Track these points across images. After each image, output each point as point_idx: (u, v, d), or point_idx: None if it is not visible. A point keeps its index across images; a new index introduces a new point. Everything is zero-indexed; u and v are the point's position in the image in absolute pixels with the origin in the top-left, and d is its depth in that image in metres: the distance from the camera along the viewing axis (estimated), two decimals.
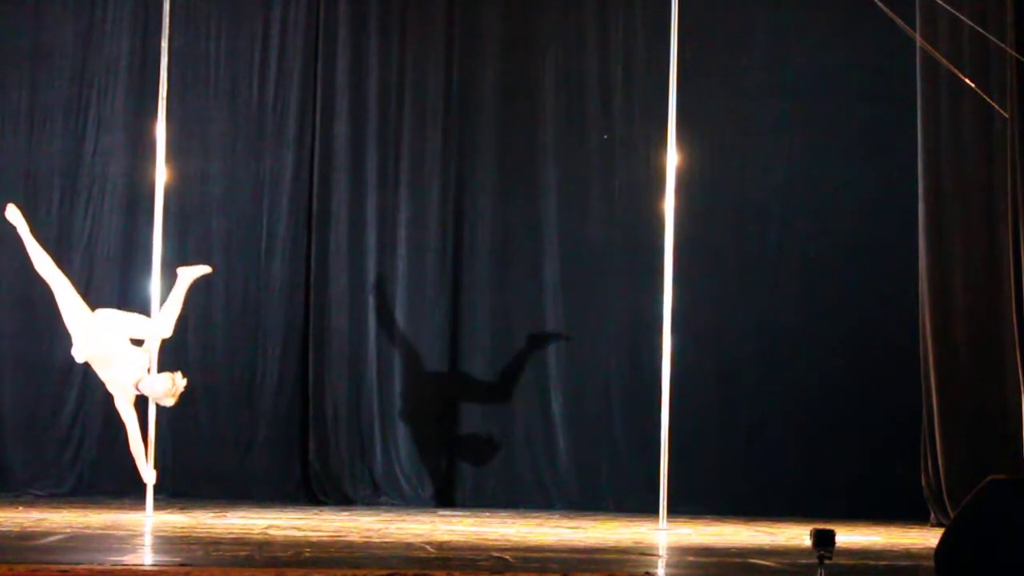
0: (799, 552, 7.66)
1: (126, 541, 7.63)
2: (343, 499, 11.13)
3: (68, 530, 8.20)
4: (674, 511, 9.68)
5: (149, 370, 9.12)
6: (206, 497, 10.80)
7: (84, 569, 6.03)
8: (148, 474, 9.29)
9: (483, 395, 11.37)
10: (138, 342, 9.11)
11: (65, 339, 9.07)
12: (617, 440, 11.25)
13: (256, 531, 8.45)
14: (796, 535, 8.95)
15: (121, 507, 10.06)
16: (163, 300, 9.58)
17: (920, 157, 10.58)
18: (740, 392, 11.21)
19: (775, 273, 11.31)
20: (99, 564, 6.31)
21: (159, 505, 9.82)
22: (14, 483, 11.03)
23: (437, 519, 9.89)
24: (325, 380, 11.31)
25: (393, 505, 11.05)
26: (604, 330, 11.33)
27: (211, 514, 9.70)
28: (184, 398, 9.25)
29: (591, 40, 11.49)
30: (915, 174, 10.60)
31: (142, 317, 9.26)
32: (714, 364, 11.16)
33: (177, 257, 10.80)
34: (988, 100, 10.04)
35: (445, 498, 11.24)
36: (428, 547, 7.63)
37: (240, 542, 7.61)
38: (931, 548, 6.56)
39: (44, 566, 6.07)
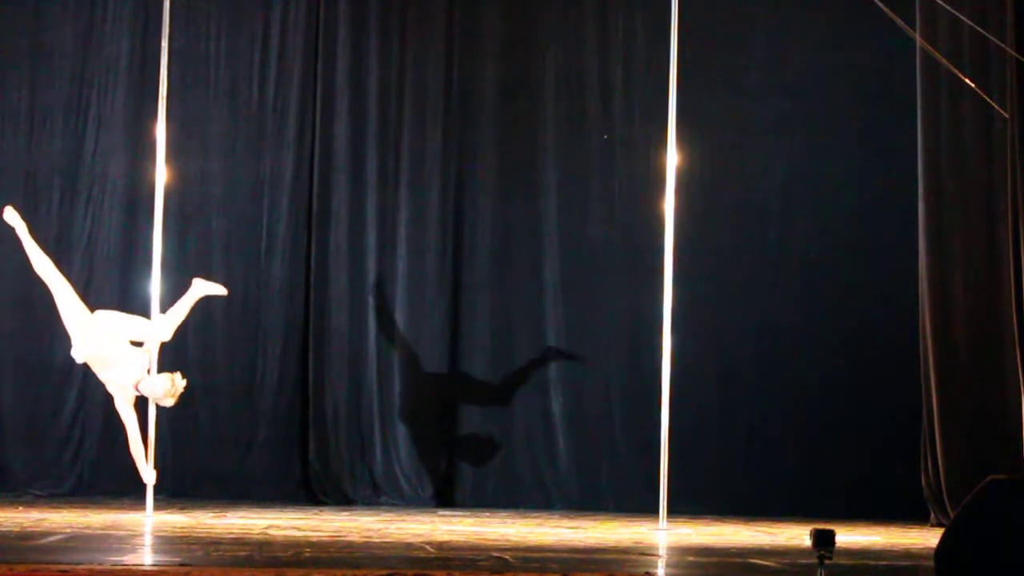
0: (799, 552, 7.66)
1: (126, 541, 7.63)
2: (343, 499, 11.13)
3: (68, 530, 8.20)
4: (674, 511, 9.68)
5: (149, 371, 9.12)
6: (206, 497, 10.80)
7: (84, 569, 6.03)
8: (148, 474, 9.29)
9: (483, 395, 11.37)
10: (138, 343, 9.11)
11: (65, 339, 9.07)
12: (617, 440, 11.25)
13: (256, 531, 8.45)
14: (796, 535, 8.95)
15: (121, 507, 10.06)
16: (163, 300, 9.60)
17: (920, 157, 10.58)
18: (740, 392, 11.21)
19: (775, 273, 11.31)
20: (99, 564, 6.31)
21: (159, 505, 9.82)
22: (14, 483, 11.03)
23: (437, 519, 9.89)
24: (325, 380, 11.31)
25: (393, 505, 11.05)
26: (604, 330, 11.33)
27: (211, 514, 9.70)
28: (184, 398, 9.26)
29: (591, 40, 11.49)
30: (915, 174, 10.60)
31: (142, 319, 9.26)
32: (714, 364, 11.16)
33: (177, 257, 10.85)
34: (988, 100, 10.04)
35: (445, 498, 11.24)
36: (428, 547, 7.63)
37: (240, 542, 7.61)
38: (931, 548, 6.56)
39: (44, 566, 6.07)
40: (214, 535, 8.06)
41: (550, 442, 11.31)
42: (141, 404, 9.24)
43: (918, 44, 10.32)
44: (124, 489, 10.52)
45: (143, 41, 11.25)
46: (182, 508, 10.13)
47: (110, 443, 10.63)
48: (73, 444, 11.14)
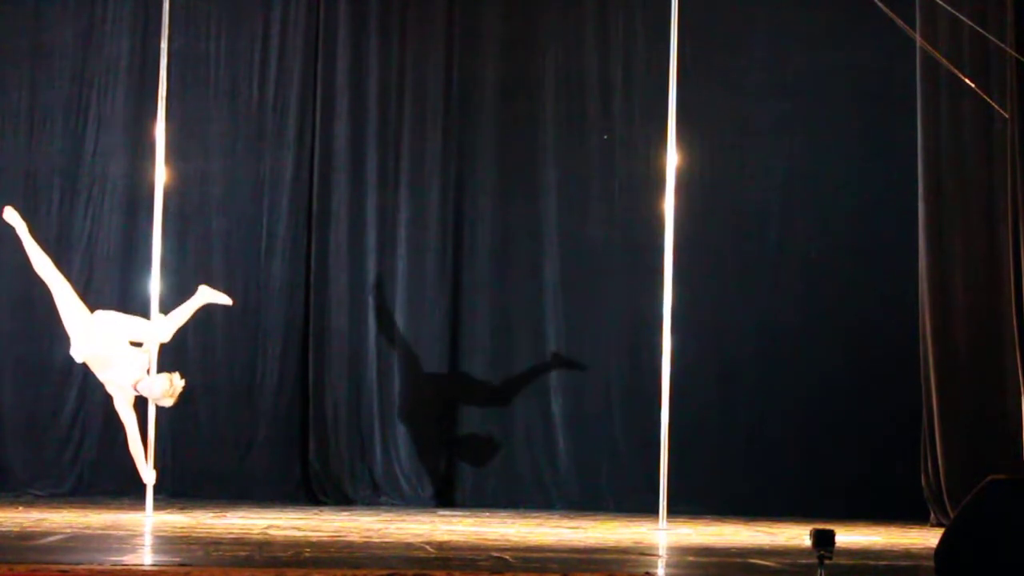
0: (799, 552, 7.66)
1: (126, 541, 7.63)
2: (343, 499, 11.13)
3: (68, 530, 8.20)
4: (674, 511, 9.68)
5: (148, 371, 9.12)
6: (206, 497, 10.80)
7: (84, 569, 6.03)
8: (148, 475, 9.29)
9: (483, 395, 11.37)
10: (137, 343, 9.11)
11: (65, 339, 9.07)
12: (617, 440, 11.25)
13: (256, 531, 8.45)
14: (796, 535, 8.95)
15: (121, 507, 10.06)
16: (163, 300, 9.60)
17: (920, 157, 10.58)
18: (740, 392, 11.21)
19: (775, 273, 11.31)
20: (99, 564, 6.31)
21: (159, 505, 9.82)
22: (14, 483, 11.03)
23: (437, 519, 9.89)
24: (325, 380, 11.31)
25: (393, 505, 11.05)
26: (604, 330, 11.33)
27: (211, 514, 9.70)
28: (184, 398, 9.26)
29: (591, 40, 11.49)
30: (915, 174, 10.60)
31: (142, 320, 9.26)
32: (714, 364, 11.16)
33: (177, 257, 10.85)
34: (988, 100, 10.04)
35: (445, 498, 11.24)
36: (428, 547, 7.63)
37: (240, 542, 7.61)
38: (931, 548, 6.56)
39: (44, 566, 6.06)
40: (214, 535, 8.06)
41: (550, 442, 11.31)
42: (141, 404, 9.24)
43: (918, 44, 10.32)
44: (124, 489, 10.52)
45: (143, 41, 11.24)
46: (182, 508, 10.13)
47: (110, 443, 10.63)
48: (73, 444, 11.14)
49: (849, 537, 8.78)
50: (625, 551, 7.82)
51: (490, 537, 8.44)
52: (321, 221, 11.40)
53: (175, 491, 10.82)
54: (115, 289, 11.01)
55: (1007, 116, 10.10)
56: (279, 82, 11.42)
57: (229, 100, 11.42)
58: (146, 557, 6.97)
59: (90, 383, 10.27)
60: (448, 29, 11.51)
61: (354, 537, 8.20)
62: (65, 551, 7.02)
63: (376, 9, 11.49)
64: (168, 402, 9.08)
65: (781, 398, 11.14)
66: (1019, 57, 9.97)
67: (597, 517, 10.38)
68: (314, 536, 8.17)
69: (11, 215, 9.02)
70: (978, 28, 10.00)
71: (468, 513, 10.52)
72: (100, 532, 8.21)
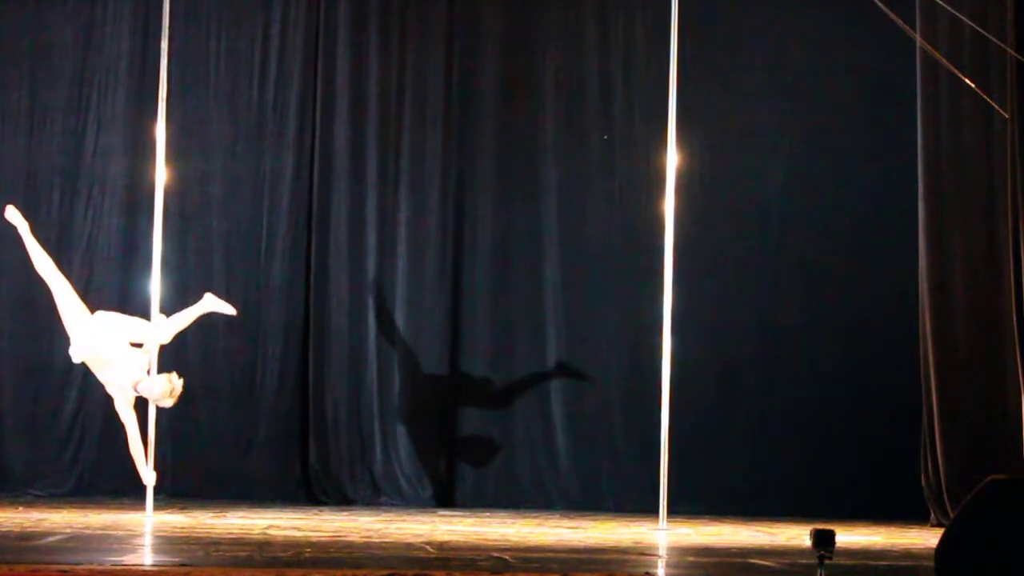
0: (799, 552, 7.66)
1: (126, 541, 7.62)
2: (343, 499, 11.13)
3: (68, 530, 8.20)
4: (674, 511, 9.68)
5: (148, 371, 9.12)
6: (206, 497, 10.80)
7: (84, 569, 6.03)
8: (148, 475, 9.30)
9: (483, 395, 11.37)
10: (137, 344, 9.11)
11: (65, 339, 9.07)
12: (617, 440, 11.24)
13: (256, 531, 8.45)
14: (796, 535, 8.95)
15: (121, 507, 10.05)
16: (163, 300, 9.60)
17: (920, 157, 10.58)
18: (740, 392, 11.21)
19: (775, 273, 11.31)
20: (99, 564, 6.31)
21: (159, 505, 9.82)
22: (14, 483, 11.03)
23: (437, 519, 9.89)
24: (325, 380, 11.31)
25: (393, 505, 11.04)
26: (604, 330, 11.33)
27: (211, 514, 9.69)
28: (184, 398, 9.27)
29: (591, 40, 11.49)
30: (915, 174, 10.60)
31: (141, 321, 9.27)
32: (714, 364, 11.16)
33: (177, 257, 10.85)
34: (988, 100, 10.03)
35: (445, 498, 11.24)
36: (428, 547, 7.63)
37: (240, 542, 7.61)
38: (931, 548, 6.56)
39: (44, 566, 6.06)
40: (214, 535, 8.06)
41: (550, 442, 11.31)
42: (141, 405, 9.25)
43: (918, 44, 10.32)
44: (124, 489, 10.51)
45: (143, 41, 11.24)
46: (182, 508, 10.13)
47: (110, 443, 10.62)
48: (73, 444, 11.13)
49: (849, 537, 8.78)
50: (625, 551, 7.81)
51: (490, 537, 8.44)
52: (321, 221, 11.40)
53: (175, 491, 10.81)
54: (115, 289, 11.01)
55: (1007, 116, 10.10)
56: (279, 82, 11.42)
57: (229, 100, 11.42)
58: (146, 557, 6.97)
59: (90, 383, 10.27)
60: (448, 29, 11.51)
61: (354, 537, 8.19)
62: (65, 551, 7.02)
63: (376, 9, 11.49)
64: (168, 402, 9.09)
65: (781, 398, 11.14)
66: (1019, 57, 9.96)
67: (597, 517, 10.38)
68: (314, 536, 8.17)
69: (13, 214, 9.03)
70: (978, 28, 10.00)
71: (468, 513, 10.52)
72: (100, 532, 8.21)
